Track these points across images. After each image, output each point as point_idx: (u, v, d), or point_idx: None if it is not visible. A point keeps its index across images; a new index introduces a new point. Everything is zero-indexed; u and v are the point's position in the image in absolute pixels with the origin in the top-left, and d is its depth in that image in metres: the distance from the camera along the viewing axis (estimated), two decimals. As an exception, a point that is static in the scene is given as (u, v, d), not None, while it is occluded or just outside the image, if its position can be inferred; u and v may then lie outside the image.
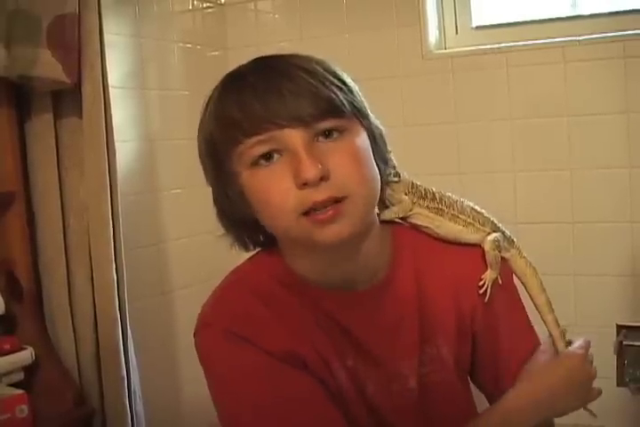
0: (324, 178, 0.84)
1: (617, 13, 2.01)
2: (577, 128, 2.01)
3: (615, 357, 1.99)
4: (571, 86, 2.01)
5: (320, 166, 0.84)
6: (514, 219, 2.06)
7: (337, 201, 0.85)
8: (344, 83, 0.90)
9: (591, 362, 1.03)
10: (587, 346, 1.03)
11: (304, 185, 0.84)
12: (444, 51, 2.21)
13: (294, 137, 0.85)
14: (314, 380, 0.94)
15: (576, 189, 2.03)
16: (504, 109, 2.09)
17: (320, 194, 0.84)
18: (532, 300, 1.07)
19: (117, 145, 1.71)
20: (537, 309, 1.07)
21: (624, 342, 1.98)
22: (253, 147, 0.86)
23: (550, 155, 2.06)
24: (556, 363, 1.01)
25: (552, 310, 1.06)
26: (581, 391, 1.01)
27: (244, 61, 0.94)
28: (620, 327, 2.00)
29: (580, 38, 1.99)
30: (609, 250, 2.01)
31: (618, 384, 2.00)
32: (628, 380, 1.99)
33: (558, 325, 1.06)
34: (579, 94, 2.00)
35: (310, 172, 0.83)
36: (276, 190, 0.86)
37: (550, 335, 1.05)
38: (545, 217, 2.07)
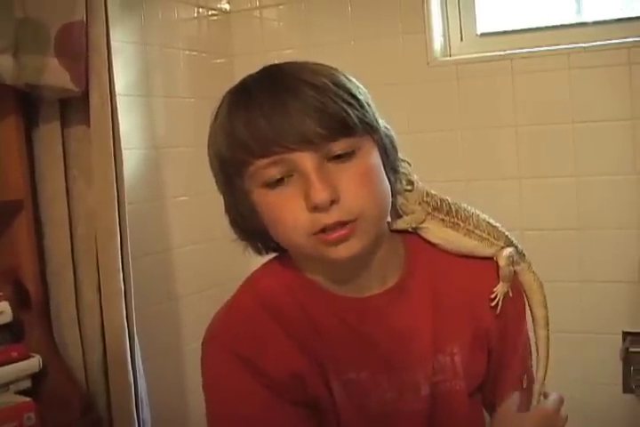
0: (334, 201, 0.84)
1: (622, 20, 2.02)
2: (582, 135, 2.01)
3: (621, 363, 2.00)
4: (576, 93, 2.01)
5: (330, 190, 0.84)
6: (520, 225, 2.06)
7: (347, 222, 0.85)
8: (354, 97, 0.88)
9: (564, 420, 0.99)
10: (560, 402, 1.00)
11: (315, 208, 0.84)
12: (449, 58, 2.21)
13: (304, 160, 0.84)
14: (305, 416, 0.95)
15: (582, 195, 2.03)
16: (509, 116, 2.10)
17: (330, 217, 0.84)
18: (531, 311, 1.07)
19: (124, 153, 1.71)
20: (533, 321, 1.07)
21: (630, 349, 1.97)
22: (264, 168, 0.86)
23: (556, 161, 2.06)
24: (526, 420, 0.98)
25: (547, 326, 1.06)
26: None
27: (250, 69, 0.94)
28: (626, 334, 2.00)
29: (585, 45, 1.99)
30: (615, 256, 2.01)
31: (624, 391, 2.00)
32: (634, 386, 1.99)
33: (548, 340, 1.06)
34: (584, 101, 2.01)
35: (321, 196, 0.83)
36: (288, 211, 0.86)
37: (537, 352, 1.06)
38: (551, 224, 2.07)
